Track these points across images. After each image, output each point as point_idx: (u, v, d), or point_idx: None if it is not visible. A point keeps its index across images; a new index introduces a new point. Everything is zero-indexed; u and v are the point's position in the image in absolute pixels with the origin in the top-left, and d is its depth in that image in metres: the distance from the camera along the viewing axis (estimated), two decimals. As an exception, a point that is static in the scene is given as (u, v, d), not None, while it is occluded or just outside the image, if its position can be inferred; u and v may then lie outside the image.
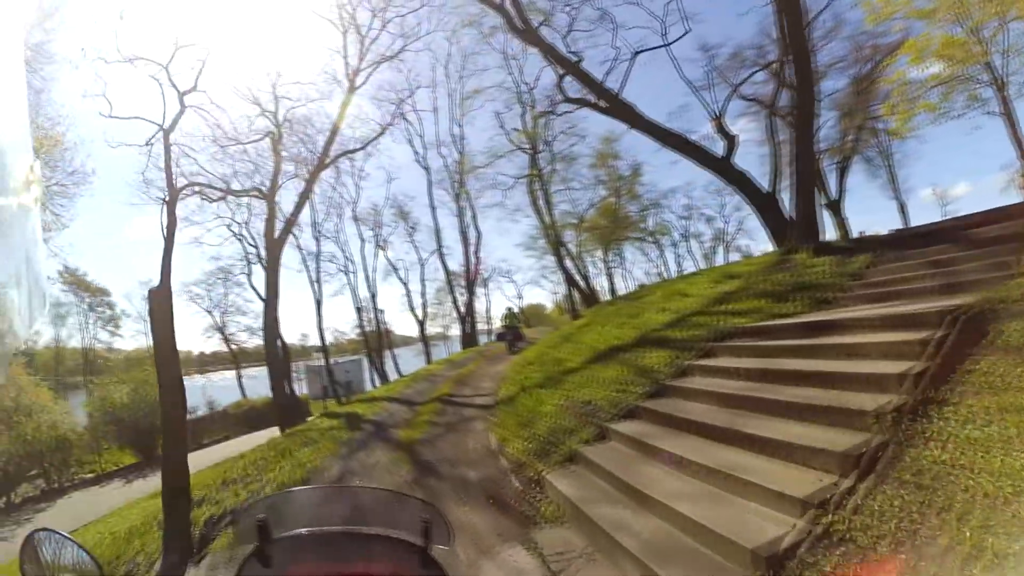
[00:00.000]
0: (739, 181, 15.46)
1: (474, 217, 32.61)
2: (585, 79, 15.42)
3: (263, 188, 21.95)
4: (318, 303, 30.00)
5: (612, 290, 37.62)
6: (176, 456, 8.33)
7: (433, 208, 32.71)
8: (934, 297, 5.51)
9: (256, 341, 34.46)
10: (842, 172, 24.76)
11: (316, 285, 30.10)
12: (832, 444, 3.61)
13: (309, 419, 18.53)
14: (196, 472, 11.02)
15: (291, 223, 22.33)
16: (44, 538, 0.99)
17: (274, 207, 21.65)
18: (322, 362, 30.44)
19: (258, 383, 29.44)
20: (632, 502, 4.21)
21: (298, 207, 21.99)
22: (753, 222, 53.84)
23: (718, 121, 21.95)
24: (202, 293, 36.21)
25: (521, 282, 47.01)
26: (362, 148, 25.59)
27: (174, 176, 13.50)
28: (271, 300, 20.12)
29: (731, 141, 18.30)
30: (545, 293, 72.80)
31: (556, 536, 4.30)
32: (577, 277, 29.78)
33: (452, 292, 33.75)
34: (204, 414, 30.06)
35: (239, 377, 39.15)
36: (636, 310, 11.28)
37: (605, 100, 15.15)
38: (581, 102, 20.99)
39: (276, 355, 19.99)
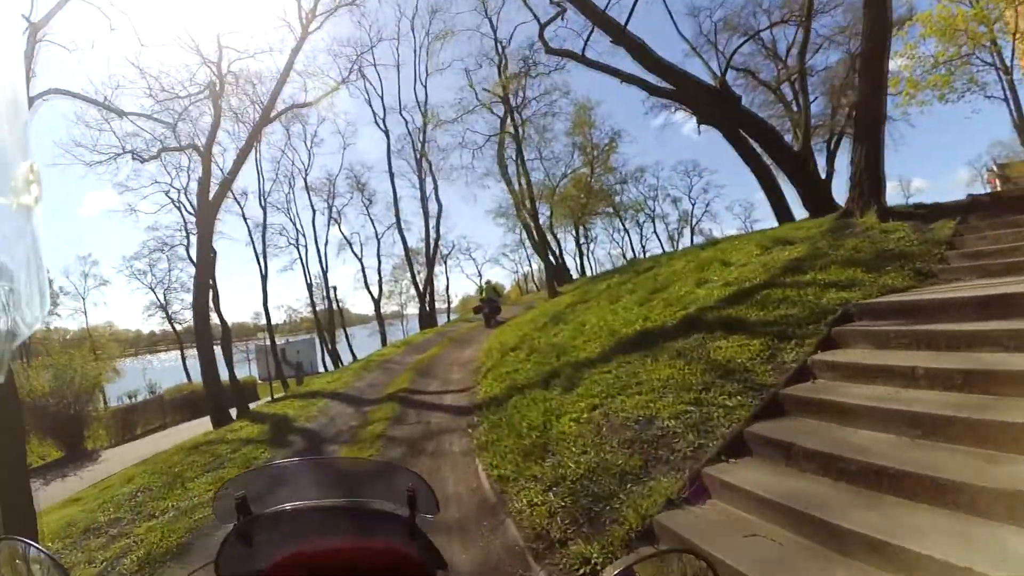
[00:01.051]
0: (764, 138, 13.23)
1: (436, 189, 29.66)
2: (587, 8, 12.70)
3: (198, 144, 18.73)
4: (263, 278, 26.80)
5: (581, 268, 35.58)
6: (16, 507, 5.63)
7: (392, 175, 29.33)
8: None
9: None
10: (831, 151, 23.00)
11: (262, 259, 26.80)
12: None
13: (253, 405, 16.61)
14: (94, 484, 8.39)
15: (228, 182, 19.08)
16: (10, 546, 0.94)
17: (210, 163, 18.45)
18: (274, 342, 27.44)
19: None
20: None
21: (237, 163, 18.73)
22: (717, 205, 53.99)
23: (721, 80, 19.80)
24: (144, 268, 32.71)
25: (480, 260, 44.24)
26: (314, 104, 22.22)
27: (31, 81, 10.22)
28: (203, 268, 16.91)
29: (736, 102, 16.28)
30: (504, 272, 70.79)
31: None
32: (548, 253, 27.23)
33: (411, 268, 30.73)
34: (142, 400, 27.05)
35: (183, 359, 35.91)
36: (654, 283, 8.87)
37: (610, 33, 12.50)
38: (565, 53, 18.46)
39: (206, 332, 16.71)
